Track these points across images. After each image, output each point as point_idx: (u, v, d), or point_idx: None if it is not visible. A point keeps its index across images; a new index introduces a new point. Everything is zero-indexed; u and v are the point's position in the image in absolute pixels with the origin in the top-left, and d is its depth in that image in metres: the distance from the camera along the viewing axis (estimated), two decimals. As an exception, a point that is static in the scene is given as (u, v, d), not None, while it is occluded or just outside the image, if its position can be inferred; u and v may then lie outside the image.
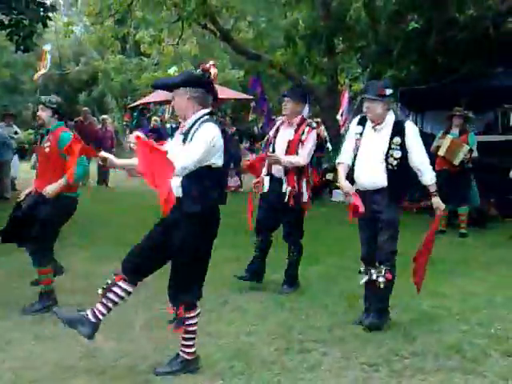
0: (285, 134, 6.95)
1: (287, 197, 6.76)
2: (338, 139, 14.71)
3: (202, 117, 4.61)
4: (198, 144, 4.45)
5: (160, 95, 24.52)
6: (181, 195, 4.45)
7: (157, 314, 6.17)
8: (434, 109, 13.90)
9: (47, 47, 20.82)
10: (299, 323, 5.82)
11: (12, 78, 34.65)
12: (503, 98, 13.45)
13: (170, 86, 4.82)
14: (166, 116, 21.68)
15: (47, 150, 6.26)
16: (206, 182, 4.48)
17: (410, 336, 5.51)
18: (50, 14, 14.35)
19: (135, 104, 26.46)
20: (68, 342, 5.35)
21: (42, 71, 21.22)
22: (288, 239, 6.99)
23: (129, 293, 4.76)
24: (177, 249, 4.55)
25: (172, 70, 18.50)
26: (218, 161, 4.56)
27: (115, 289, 4.71)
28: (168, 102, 24.95)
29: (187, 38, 19.63)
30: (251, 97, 18.98)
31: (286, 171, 6.82)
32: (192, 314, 4.70)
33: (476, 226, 10.98)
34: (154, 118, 21.62)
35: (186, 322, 4.70)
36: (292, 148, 6.81)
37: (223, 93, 24.88)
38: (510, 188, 10.82)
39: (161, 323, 5.85)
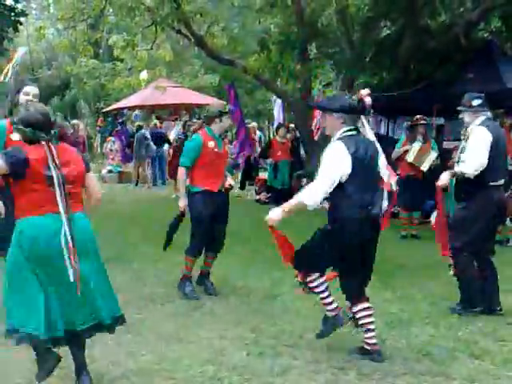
0: None
1: None
2: (312, 145, 14.78)
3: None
4: None
5: (133, 101, 24.52)
6: None
7: (128, 319, 6.14)
8: (407, 115, 14.03)
9: (21, 49, 20.67)
10: (271, 328, 5.85)
11: (-18, 83, 34.31)
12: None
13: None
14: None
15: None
16: None
17: (379, 339, 5.56)
18: (21, 19, 14.28)
19: (109, 109, 26.37)
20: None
21: (6, 71, 21.09)
22: None
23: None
24: None
25: (143, 75, 18.43)
26: None
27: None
28: (141, 107, 24.98)
29: (161, 43, 19.56)
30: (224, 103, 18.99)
31: None
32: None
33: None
34: (155, 122, 21.58)
35: None
36: None
37: (197, 98, 24.97)
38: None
39: (131, 328, 5.85)
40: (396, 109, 14.20)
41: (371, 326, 5.15)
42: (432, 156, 10.69)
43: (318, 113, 15.51)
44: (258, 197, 16.29)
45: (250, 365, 4.97)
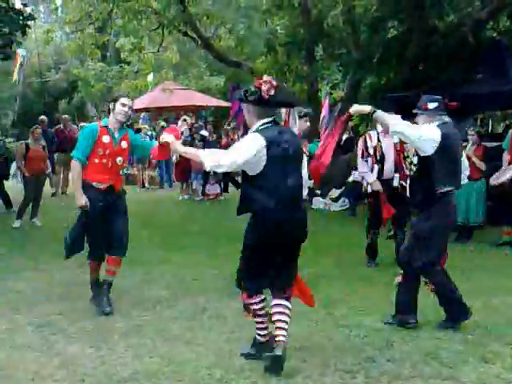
0: None
1: None
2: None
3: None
4: None
5: (140, 103, 24.56)
6: None
7: (135, 322, 6.16)
8: (414, 115, 13.97)
9: (21, 51, 20.78)
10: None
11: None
12: (482, 105, 13.54)
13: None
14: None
15: None
16: None
17: (387, 343, 5.54)
18: (30, 23, 14.32)
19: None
20: (45, 350, 5.33)
21: (16, 73, 21.23)
22: None
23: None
24: None
25: (150, 78, 18.52)
26: None
27: None
28: (148, 109, 25.01)
29: (168, 46, 19.62)
30: (230, 104, 18.99)
31: None
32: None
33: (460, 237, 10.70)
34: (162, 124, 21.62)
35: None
36: None
37: (203, 100, 25.00)
38: (490, 194, 10.86)
39: (139, 331, 5.86)
40: (403, 109, 14.16)
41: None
42: None
43: (324, 113, 15.51)
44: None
45: (258, 368, 4.95)
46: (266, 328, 5.13)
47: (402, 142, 8.06)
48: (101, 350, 5.36)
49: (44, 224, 11.78)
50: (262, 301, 5.10)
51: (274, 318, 4.98)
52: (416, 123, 6.02)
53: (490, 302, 6.79)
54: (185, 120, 12.94)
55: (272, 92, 4.81)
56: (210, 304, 6.73)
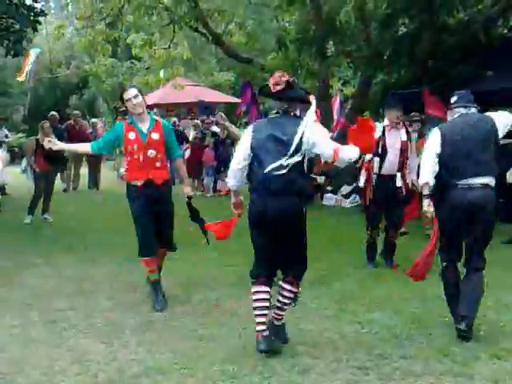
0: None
1: None
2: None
3: None
4: None
5: (151, 99, 24.59)
6: None
7: (147, 317, 6.18)
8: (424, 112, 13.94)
9: (34, 51, 20.82)
10: (290, 327, 5.81)
11: (1, 82, 34.56)
12: (493, 102, 13.48)
13: None
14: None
15: None
16: None
17: (399, 339, 5.54)
18: (40, 19, 14.34)
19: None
20: (58, 345, 5.36)
21: (24, 70, 21.23)
22: None
23: None
24: None
25: (161, 73, 18.51)
26: None
27: None
28: (159, 105, 25.05)
29: (179, 42, 19.63)
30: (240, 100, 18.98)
31: None
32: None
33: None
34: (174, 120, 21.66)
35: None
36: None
37: (214, 96, 25.01)
38: (499, 191, 10.81)
39: (151, 327, 5.88)
40: (414, 106, 14.12)
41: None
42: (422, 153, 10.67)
43: (336, 110, 15.50)
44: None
45: (270, 364, 4.96)
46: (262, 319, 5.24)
47: (406, 142, 8.18)
48: (113, 345, 5.39)
49: (55, 219, 11.83)
50: (261, 292, 5.23)
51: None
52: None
53: (503, 299, 6.76)
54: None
55: (278, 87, 5.06)
56: (223, 300, 6.75)
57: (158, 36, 17.77)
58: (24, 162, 15.53)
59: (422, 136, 10.94)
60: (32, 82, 23.43)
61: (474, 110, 5.91)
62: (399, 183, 8.10)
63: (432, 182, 5.73)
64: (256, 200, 5.13)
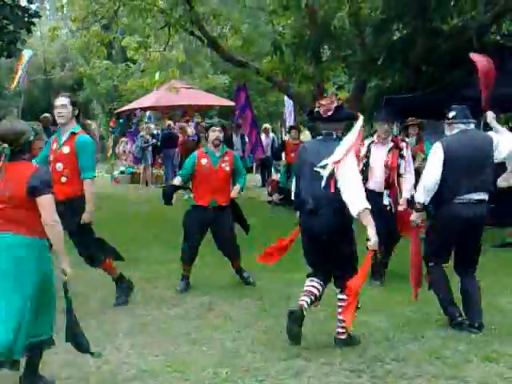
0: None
1: None
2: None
3: None
4: None
5: (146, 102, 24.59)
6: None
7: (140, 320, 6.19)
8: (418, 118, 13.99)
9: (27, 53, 20.79)
10: (284, 330, 5.84)
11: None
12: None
13: None
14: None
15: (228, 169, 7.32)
16: None
17: (392, 342, 5.57)
18: (35, 20, 14.35)
19: (123, 109, 26.44)
20: (49, 350, 5.35)
21: (16, 77, 21.16)
22: None
23: None
24: None
25: (157, 76, 18.46)
26: None
27: None
28: (154, 108, 25.03)
29: (174, 45, 19.63)
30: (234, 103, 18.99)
31: None
32: None
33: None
34: (169, 122, 21.63)
35: None
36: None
37: (209, 99, 25.00)
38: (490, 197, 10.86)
39: (144, 330, 5.89)
40: (407, 112, 14.17)
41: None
42: (419, 158, 10.65)
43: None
44: (270, 198, 16.28)
45: (263, 367, 4.99)
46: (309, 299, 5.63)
47: (394, 158, 7.65)
48: (105, 348, 5.38)
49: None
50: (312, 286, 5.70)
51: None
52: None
53: (495, 302, 6.80)
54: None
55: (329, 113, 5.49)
56: (216, 303, 6.76)
57: (153, 39, 17.75)
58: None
59: (420, 141, 10.92)
60: (25, 84, 23.32)
61: (472, 125, 6.11)
62: (386, 201, 7.63)
63: (427, 201, 5.96)
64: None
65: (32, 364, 4.53)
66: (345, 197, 5.22)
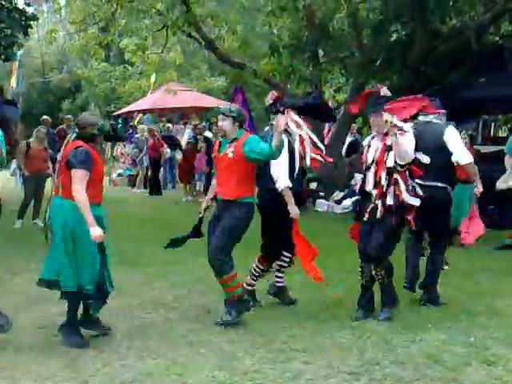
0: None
1: None
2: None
3: None
4: None
5: (144, 104, 24.58)
6: None
7: (138, 322, 6.17)
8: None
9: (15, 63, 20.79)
10: (282, 332, 5.84)
11: (-9, 86, 34.48)
12: (485, 109, 13.54)
13: None
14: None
15: (231, 156, 6.15)
16: None
17: (390, 345, 5.55)
18: (32, 23, 14.34)
19: (121, 112, 26.42)
20: (48, 351, 5.33)
21: (12, 84, 21.16)
22: None
23: None
24: None
25: (153, 79, 18.53)
26: None
27: None
28: (151, 110, 25.02)
29: (172, 47, 19.63)
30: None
31: None
32: None
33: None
34: (167, 125, 21.61)
35: None
36: None
37: (207, 102, 25.00)
38: (490, 198, 10.85)
39: (142, 332, 5.86)
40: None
41: None
42: None
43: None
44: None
45: (262, 370, 4.96)
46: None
47: (382, 152, 6.30)
48: (103, 351, 5.37)
49: (46, 224, 11.76)
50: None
51: None
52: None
53: (493, 305, 6.80)
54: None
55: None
56: (214, 306, 6.73)
57: (151, 41, 17.77)
58: (13, 165, 15.46)
59: None
60: (24, 86, 23.34)
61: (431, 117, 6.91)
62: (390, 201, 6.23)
63: None
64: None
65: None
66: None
